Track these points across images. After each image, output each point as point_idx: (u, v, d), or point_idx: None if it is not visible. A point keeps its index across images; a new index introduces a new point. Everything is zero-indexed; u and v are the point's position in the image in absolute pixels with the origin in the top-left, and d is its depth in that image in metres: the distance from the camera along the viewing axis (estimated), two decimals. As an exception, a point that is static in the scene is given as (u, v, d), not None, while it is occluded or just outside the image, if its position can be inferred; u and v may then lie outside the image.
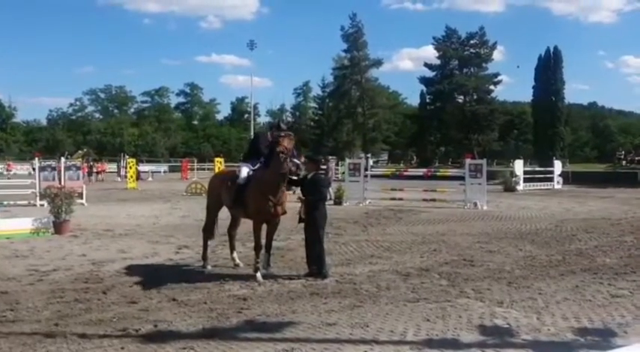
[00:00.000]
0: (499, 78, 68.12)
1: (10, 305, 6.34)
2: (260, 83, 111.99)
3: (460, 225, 13.94)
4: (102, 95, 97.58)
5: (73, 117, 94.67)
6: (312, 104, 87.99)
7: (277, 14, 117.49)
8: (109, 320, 5.78)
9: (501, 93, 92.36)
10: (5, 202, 18.14)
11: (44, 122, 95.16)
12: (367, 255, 9.66)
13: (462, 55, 66.88)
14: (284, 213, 8.09)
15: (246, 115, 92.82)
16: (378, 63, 73.23)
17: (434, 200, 19.31)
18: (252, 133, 77.54)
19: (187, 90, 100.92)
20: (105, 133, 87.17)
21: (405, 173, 29.22)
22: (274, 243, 10.84)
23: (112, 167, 49.53)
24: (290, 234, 12.10)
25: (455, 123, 66.05)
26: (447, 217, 15.47)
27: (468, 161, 19.55)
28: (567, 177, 31.94)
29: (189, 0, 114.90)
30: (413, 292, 7.00)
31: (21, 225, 12.03)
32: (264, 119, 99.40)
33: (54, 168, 20.08)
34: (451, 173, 25.50)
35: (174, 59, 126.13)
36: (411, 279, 7.73)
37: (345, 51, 72.33)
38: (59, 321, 5.71)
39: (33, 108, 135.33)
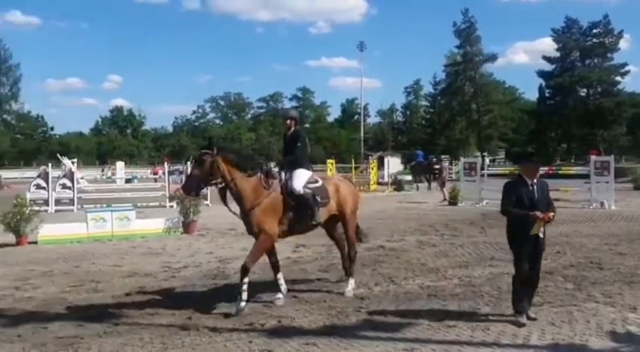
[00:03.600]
0: (627, 68, 63.20)
1: (148, 299, 6.91)
2: (369, 84, 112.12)
3: (586, 226, 13.16)
4: (221, 102, 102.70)
5: (196, 124, 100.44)
6: (424, 102, 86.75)
7: (386, 14, 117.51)
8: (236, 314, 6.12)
9: (629, 84, 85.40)
10: (139, 204, 19.65)
11: (170, 129, 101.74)
12: (486, 257, 9.42)
13: (583, 46, 62.89)
14: None
15: (356, 116, 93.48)
16: (492, 58, 70.77)
17: (556, 200, 18.28)
18: (362, 134, 78.27)
19: (299, 94, 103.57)
20: (224, 138, 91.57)
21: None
22: (389, 244, 10.97)
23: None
24: (404, 236, 12.10)
25: (577, 118, 62.16)
26: (571, 218, 14.64)
27: (593, 158, 18.42)
28: None
29: (299, 7, 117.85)
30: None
31: (154, 225, 13.01)
32: (374, 119, 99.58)
33: (181, 172, 21.46)
34: (575, 171, 24.08)
35: (286, 65, 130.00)
36: (534, 282, 7.43)
37: (458, 47, 70.63)
38: (192, 315, 6.13)
39: (160, 116, 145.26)
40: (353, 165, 28.04)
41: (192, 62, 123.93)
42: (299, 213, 6.57)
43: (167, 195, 20.38)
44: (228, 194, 6.51)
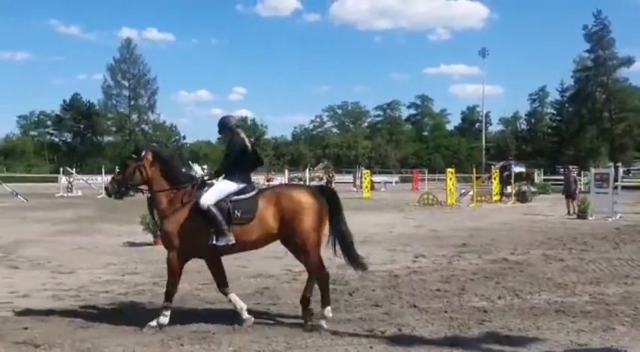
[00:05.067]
0: None
1: (272, 299, 7.24)
2: (491, 91, 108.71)
3: None
4: (339, 111, 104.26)
5: (314, 133, 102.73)
6: (550, 110, 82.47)
7: (508, 19, 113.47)
8: (356, 320, 6.23)
9: None
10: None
11: (289, 138, 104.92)
12: (621, 275, 8.78)
13: None
14: None
15: (477, 124, 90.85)
16: (628, 61, 65.97)
17: None
18: (483, 142, 75.78)
19: (418, 102, 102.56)
20: (341, 146, 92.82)
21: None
22: (512, 257, 10.57)
23: (347, 178, 52.71)
24: (529, 249, 11.61)
25: None
26: None
27: None
28: None
29: (418, 14, 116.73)
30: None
31: (276, 229, 13.46)
32: (496, 127, 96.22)
33: (300, 179, 22.11)
34: None
35: (404, 73, 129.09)
36: (678, 304, 6.84)
37: (588, 51, 66.65)
38: (314, 318, 6.30)
39: (280, 126, 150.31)
40: (474, 174, 27.25)
41: (311, 73, 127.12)
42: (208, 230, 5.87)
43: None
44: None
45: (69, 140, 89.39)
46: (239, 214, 5.86)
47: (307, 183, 21.90)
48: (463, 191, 28.74)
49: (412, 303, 6.94)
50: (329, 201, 6.27)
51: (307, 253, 6.13)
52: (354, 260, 6.48)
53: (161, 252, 11.41)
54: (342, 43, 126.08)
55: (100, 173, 40.27)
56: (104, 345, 5.30)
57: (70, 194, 35.02)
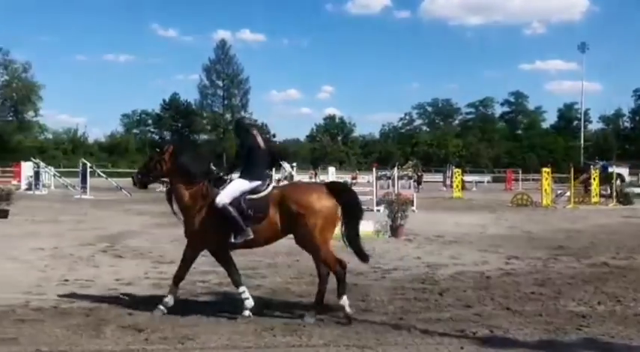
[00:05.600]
0: None
1: (361, 296, 7.27)
2: (590, 87, 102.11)
3: None
4: (429, 109, 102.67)
5: (402, 131, 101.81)
6: (658, 107, 76.92)
7: (610, 11, 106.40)
8: (446, 320, 6.15)
9: None
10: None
11: (377, 136, 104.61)
12: None
13: None
14: None
15: (575, 122, 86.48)
16: None
17: None
18: (582, 141, 71.95)
19: (512, 99, 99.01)
20: (431, 145, 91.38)
21: None
22: (614, 261, 10.00)
23: (437, 177, 51.85)
24: (632, 253, 10.95)
25: None
26: None
27: None
28: None
29: (512, 8, 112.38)
30: None
31: (363, 227, 13.46)
32: (595, 126, 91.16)
33: (388, 178, 22.03)
34: None
35: (497, 69, 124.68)
36: None
37: None
38: (403, 316, 6.31)
39: (368, 123, 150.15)
40: (572, 175, 25.96)
41: (400, 70, 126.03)
42: (227, 227, 6.10)
43: (375, 199, 21.06)
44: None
45: (168, 138, 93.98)
46: (252, 213, 6.06)
47: (396, 182, 21.73)
48: (560, 192, 27.48)
49: (505, 305, 6.75)
50: (346, 204, 6.30)
51: (315, 253, 6.23)
52: (360, 253, 6.60)
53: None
54: (433, 39, 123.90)
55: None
56: (201, 332, 5.57)
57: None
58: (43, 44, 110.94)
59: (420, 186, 40.07)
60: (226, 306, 6.65)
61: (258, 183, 6.24)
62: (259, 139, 6.45)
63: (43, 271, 8.81)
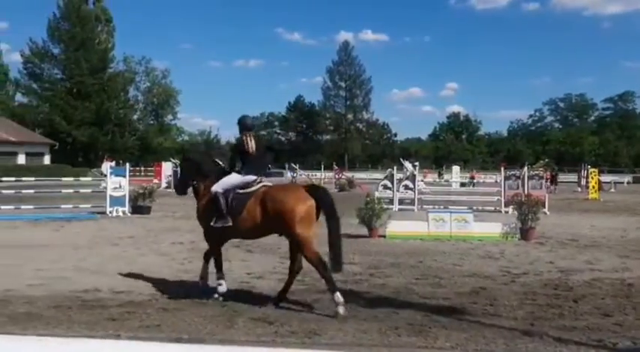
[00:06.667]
0: None
1: (489, 300, 7.04)
2: None
3: None
4: (561, 104, 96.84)
5: (532, 128, 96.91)
6: None
7: None
8: (582, 328, 5.79)
9: None
10: (474, 207, 19.99)
11: (505, 134, 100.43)
12: None
13: None
14: None
15: None
16: None
17: None
18: None
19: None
20: (564, 143, 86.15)
21: None
22: None
23: (571, 177, 48.75)
24: None
25: None
26: None
27: None
28: None
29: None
30: None
31: (491, 229, 13.10)
32: None
33: (518, 177, 21.09)
34: None
35: (638, 61, 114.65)
36: None
37: None
38: (534, 322, 6.03)
39: (495, 121, 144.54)
40: None
41: (530, 64, 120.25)
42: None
43: (503, 200, 20.28)
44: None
45: (293, 138, 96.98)
46: (234, 205, 6.68)
47: (526, 182, 20.73)
48: None
49: (644, 316, 6.22)
50: (321, 205, 6.54)
51: (301, 249, 6.55)
52: (335, 260, 6.62)
53: (376, 244, 11.90)
54: (565, 31, 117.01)
55: (319, 168, 42.95)
56: (326, 327, 5.70)
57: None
58: (181, 51, 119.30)
59: (555, 186, 37.94)
60: (351, 304, 6.73)
61: (251, 180, 6.87)
62: (250, 144, 7.01)
63: (181, 263, 9.48)
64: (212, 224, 6.80)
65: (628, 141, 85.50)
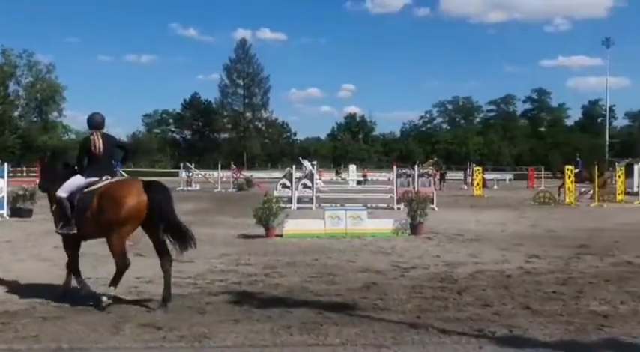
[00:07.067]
0: None
1: (379, 294, 7.23)
2: (616, 83, 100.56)
3: None
4: (449, 106, 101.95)
5: (423, 129, 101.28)
6: (686, 102, 75.30)
7: (637, 6, 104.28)
8: (465, 319, 6.08)
9: None
10: (368, 205, 20.54)
11: (398, 134, 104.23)
12: None
13: None
14: None
15: (599, 119, 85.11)
16: None
17: None
18: (607, 138, 70.81)
19: (534, 96, 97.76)
20: (451, 143, 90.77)
21: None
22: (638, 260, 9.80)
23: (458, 175, 51.51)
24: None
25: None
26: None
27: None
28: None
29: (534, 6, 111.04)
30: None
31: (383, 225, 13.52)
32: (621, 122, 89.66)
33: (408, 175, 21.94)
34: None
35: (519, 66, 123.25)
36: None
37: None
38: (420, 314, 6.26)
39: (389, 122, 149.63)
40: (596, 172, 25.53)
41: (421, 68, 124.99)
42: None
43: (395, 197, 20.99)
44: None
45: (188, 137, 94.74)
46: (80, 206, 6.52)
47: (416, 180, 21.62)
48: (583, 190, 27.06)
49: (525, 305, 6.67)
50: (154, 204, 6.47)
51: (110, 243, 6.51)
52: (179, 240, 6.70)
53: (272, 244, 11.88)
54: (453, 37, 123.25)
55: (216, 168, 42.24)
56: (218, 331, 5.59)
57: (189, 188, 37.08)
58: (67, 45, 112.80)
59: (444, 184, 39.84)
60: (244, 305, 6.67)
61: (94, 179, 6.70)
62: (97, 143, 6.80)
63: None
64: (57, 230, 6.75)
65: (510, 142, 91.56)
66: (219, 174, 39.81)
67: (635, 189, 27.50)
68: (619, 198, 24.97)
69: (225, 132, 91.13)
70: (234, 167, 42.37)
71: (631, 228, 15.03)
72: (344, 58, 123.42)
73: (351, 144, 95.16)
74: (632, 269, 9.08)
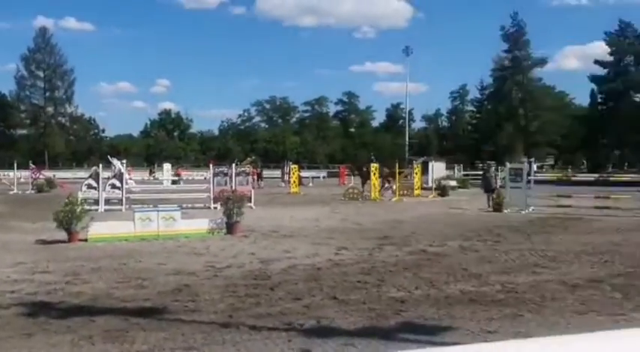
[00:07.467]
0: (684, 72, 61.06)
1: (191, 296, 7.07)
2: (415, 89, 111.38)
3: (637, 235, 12.72)
4: (267, 106, 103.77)
5: (242, 127, 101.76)
6: (470, 107, 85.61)
7: (433, 19, 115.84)
8: (276, 314, 6.20)
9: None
10: (184, 205, 20.05)
11: (216, 132, 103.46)
12: (530, 264, 9.24)
13: (638, 50, 60.94)
14: None
15: (401, 121, 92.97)
16: (542, 62, 69.56)
17: (607, 208, 17.82)
18: (407, 139, 77.74)
19: (345, 98, 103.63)
20: (269, 141, 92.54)
21: (573, 178, 27.30)
22: (431, 249, 10.88)
23: (276, 173, 52.72)
24: (446, 241, 11.98)
25: (631, 124, 60.18)
26: (623, 226, 14.21)
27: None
28: None
29: (344, 12, 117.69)
30: (581, 304, 6.59)
31: (198, 225, 13.27)
32: (419, 124, 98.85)
33: (226, 174, 21.84)
34: (627, 178, 23.30)
35: (331, 69, 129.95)
36: (579, 291, 7.27)
37: (506, 51, 69.62)
38: (233, 313, 6.25)
39: (206, 119, 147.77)
40: (397, 169, 27.86)
41: (239, 66, 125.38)
42: None
43: (211, 196, 20.76)
44: None
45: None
46: None
47: (233, 178, 21.60)
48: (387, 186, 29.35)
49: (332, 295, 7.00)
50: None
51: None
52: None
53: (76, 249, 11.00)
54: (270, 37, 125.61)
55: (12, 168, 38.06)
56: (10, 347, 5.03)
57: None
58: None
59: (261, 182, 40.36)
60: (41, 317, 6.07)
61: None
62: None
63: None
64: None
65: (323, 141, 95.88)
66: (15, 174, 35.89)
67: (430, 185, 30.49)
68: (416, 192, 27.52)
69: (24, 128, 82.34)
70: (33, 166, 38.48)
71: (426, 220, 16.62)
72: (158, 51, 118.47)
73: (165, 142, 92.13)
74: (426, 256, 10.03)
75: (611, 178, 25.66)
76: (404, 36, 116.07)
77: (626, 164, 59.96)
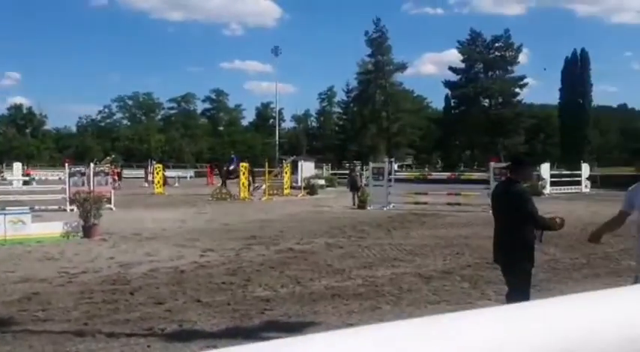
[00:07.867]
0: (525, 81, 68.12)
1: (41, 305, 6.56)
2: (284, 89, 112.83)
3: (485, 229, 13.78)
4: (129, 102, 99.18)
5: (102, 124, 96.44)
6: (337, 109, 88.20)
7: (300, 20, 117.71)
8: (135, 319, 5.94)
9: (528, 96, 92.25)
10: (37, 207, 18.57)
11: (74, 129, 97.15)
12: (390, 258, 9.72)
13: (486, 58, 66.70)
14: None
15: (271, 121, 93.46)
16: (402, 67, 73.23)
17: (458, 204, 19.24)
18: (277, 138, 78.42)
19: (213, 96, 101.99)
20: (132, 139, 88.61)
21: (429, 177, 29.17)
22: (298, 246, 11.05)
23: (139, 173, 50.48)
24: (313, 238, 12.24)
25: (480, 127, 65.77)
26: (472, 221, 15.41)
27: (492, 164, 19.42)
28: (596, 181, 31.47)
29: (212, 8, 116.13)
30: (434, 294, 7.05)
31: (51, 229, 12.36)
32: (289, 124, 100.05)
33: (83, 174, 20.54)
34: (476, 176, 25.35)
35: (199, 66, 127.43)
36: (433, 282, 7.77)
37: (370, 56, 72.47)
38: (88, 321, 5.89)
39: (63, 115, 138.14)
40: (267, 168, 27.98)
41: (99, 60, 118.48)
42: None
43: (67, 197, 19.44)
44: None
45: None
46: None
47: (91, 178, 20.37)
48: (256, 185, 29.37)
49: (196, 298, 6.84)
50: None
51: None
52: None
53: None
54: (133, 31, 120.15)
55: None
56: None
57: None
58: None
59: (120, 182, 38.45)
60: None
61: None
62: None
63: None
64: None
65: (191, 139, 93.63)
66: None
67: (300, 183, 30.98)
68: (286, 191, 27.82)
69: None
70: None
71: (294, 218, 16.85)
72: (6, 40, 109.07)
73: (16, 139, 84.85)
74: (293, 254, 10.15)
75: (462, 176, 27.74)
76: (272, 35, 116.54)
77: (476, 163, 65.16)
